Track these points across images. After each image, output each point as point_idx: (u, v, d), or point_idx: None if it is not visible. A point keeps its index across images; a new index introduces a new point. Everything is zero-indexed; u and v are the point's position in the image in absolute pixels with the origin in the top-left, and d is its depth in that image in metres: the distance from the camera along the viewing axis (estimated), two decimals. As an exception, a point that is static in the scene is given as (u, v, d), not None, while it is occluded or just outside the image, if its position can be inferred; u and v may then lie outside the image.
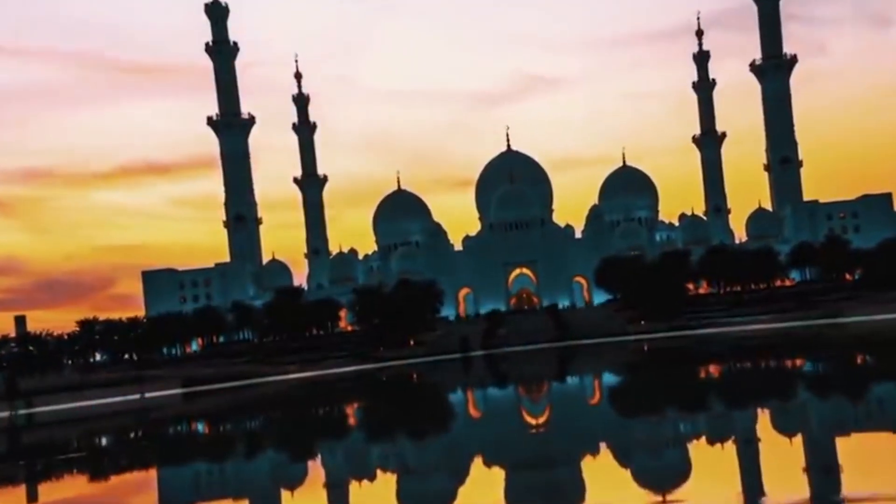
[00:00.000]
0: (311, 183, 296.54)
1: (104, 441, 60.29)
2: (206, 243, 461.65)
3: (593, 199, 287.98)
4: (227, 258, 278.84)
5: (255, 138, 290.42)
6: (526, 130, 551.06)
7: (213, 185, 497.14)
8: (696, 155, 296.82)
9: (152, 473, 36.70)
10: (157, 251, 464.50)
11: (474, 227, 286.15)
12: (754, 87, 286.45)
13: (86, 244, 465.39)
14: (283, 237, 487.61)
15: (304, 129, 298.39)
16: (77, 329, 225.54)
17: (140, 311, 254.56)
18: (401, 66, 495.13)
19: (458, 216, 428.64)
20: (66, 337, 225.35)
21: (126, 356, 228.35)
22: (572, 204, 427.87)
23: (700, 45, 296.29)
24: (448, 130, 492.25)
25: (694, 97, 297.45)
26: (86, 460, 45.51)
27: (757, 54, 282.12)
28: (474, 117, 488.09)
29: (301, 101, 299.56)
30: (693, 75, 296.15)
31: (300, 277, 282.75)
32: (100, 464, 42.84)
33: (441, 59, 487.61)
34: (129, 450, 50.15)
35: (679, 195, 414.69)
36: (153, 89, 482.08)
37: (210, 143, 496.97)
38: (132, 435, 63.84)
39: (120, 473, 37.52)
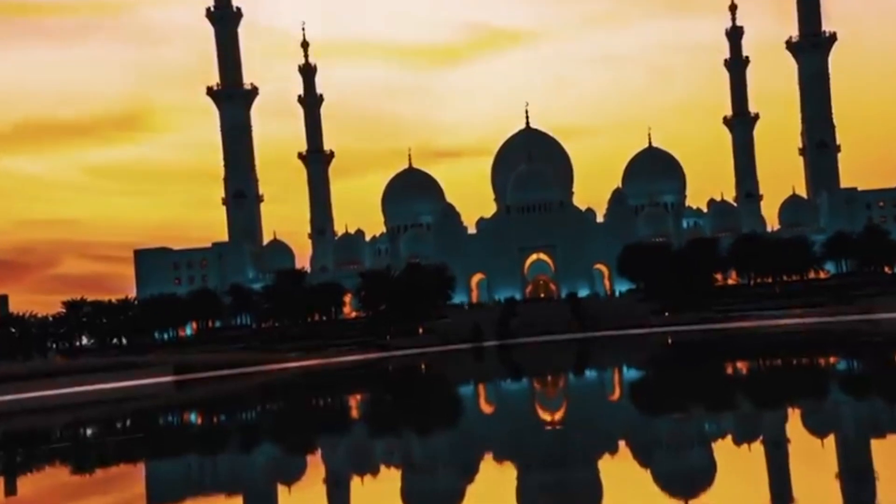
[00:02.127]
0: (316, 159, 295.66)
1: (87, 431, 59.84)
2: (147, 219, 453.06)
3: (614, 180, 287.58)
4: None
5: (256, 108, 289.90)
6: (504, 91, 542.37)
7: (145, 151, 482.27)
8: (724, 132, 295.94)
9: (137, 467, 36.14)
10: (95, 227, 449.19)
11: (489, 209, 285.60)
12: (787, 57, 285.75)
13: (8, 218, 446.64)
14: (285, 216, 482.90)
15: (311, 102, 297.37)
16: (63, 311, 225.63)
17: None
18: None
19: (472, 196, 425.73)
20: (50, 319, 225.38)
21: (115, 340, 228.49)
22: (587, 181, 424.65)
23: (734, 19, 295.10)
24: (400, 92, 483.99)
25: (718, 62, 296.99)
26: (68, 451, 45.02)
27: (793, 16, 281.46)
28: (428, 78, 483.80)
29: (307, 72, 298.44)
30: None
31: (303, 259, 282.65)
32: (82, 455, 42.33)
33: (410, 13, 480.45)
34: (112, 441, 49.63)
35: (708, 179, 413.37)
36: (57, 33, 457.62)
37: (136, 101, 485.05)
38: (117, 425, 63.34)
39: (102, 466, 36.94)
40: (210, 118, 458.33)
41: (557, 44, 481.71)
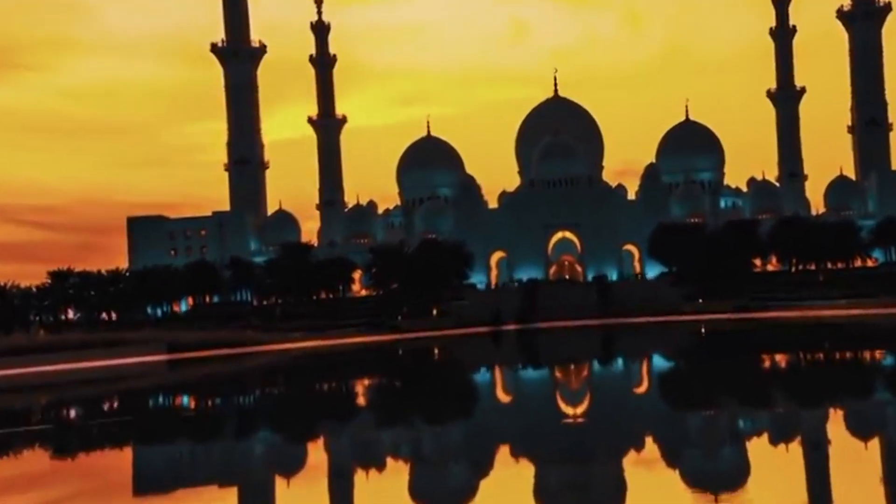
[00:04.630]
0: (327, 124, 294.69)
1: (71, 413, 59.97)
2: (74, 180, 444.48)
3: (644, 154, 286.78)
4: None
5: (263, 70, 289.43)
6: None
7: (28, 96, 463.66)
8: (767, 105, 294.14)
9: (124, 452, 36.17)
10: (16, 188, 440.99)
11: (513, 183, 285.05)
12: (839, 34, 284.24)
13: None
14: (292, 185, 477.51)
15: (323, 62, 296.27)
16: (48, 281, 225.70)
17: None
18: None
19: (492, 169, 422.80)
20: (34, 290, 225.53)
21: (104, 315, 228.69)
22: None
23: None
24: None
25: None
26: (50, 434, 45.10)
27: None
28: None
29: (321, 30, 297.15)
30: None
31: (310, 232, 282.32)
32: (65, 439, 42.39)
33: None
34: (99, 424, 49.68)
35: (748, 156, 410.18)
36: None
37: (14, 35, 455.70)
38: (105, 406, 63.43)
39: (87, 451, 36.98)
40: (95, 59, 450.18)
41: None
